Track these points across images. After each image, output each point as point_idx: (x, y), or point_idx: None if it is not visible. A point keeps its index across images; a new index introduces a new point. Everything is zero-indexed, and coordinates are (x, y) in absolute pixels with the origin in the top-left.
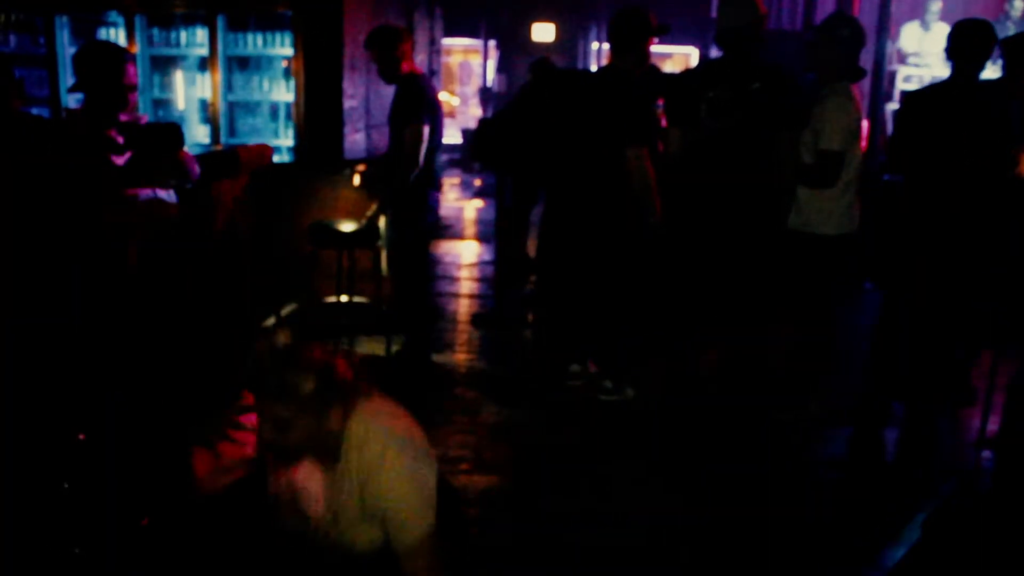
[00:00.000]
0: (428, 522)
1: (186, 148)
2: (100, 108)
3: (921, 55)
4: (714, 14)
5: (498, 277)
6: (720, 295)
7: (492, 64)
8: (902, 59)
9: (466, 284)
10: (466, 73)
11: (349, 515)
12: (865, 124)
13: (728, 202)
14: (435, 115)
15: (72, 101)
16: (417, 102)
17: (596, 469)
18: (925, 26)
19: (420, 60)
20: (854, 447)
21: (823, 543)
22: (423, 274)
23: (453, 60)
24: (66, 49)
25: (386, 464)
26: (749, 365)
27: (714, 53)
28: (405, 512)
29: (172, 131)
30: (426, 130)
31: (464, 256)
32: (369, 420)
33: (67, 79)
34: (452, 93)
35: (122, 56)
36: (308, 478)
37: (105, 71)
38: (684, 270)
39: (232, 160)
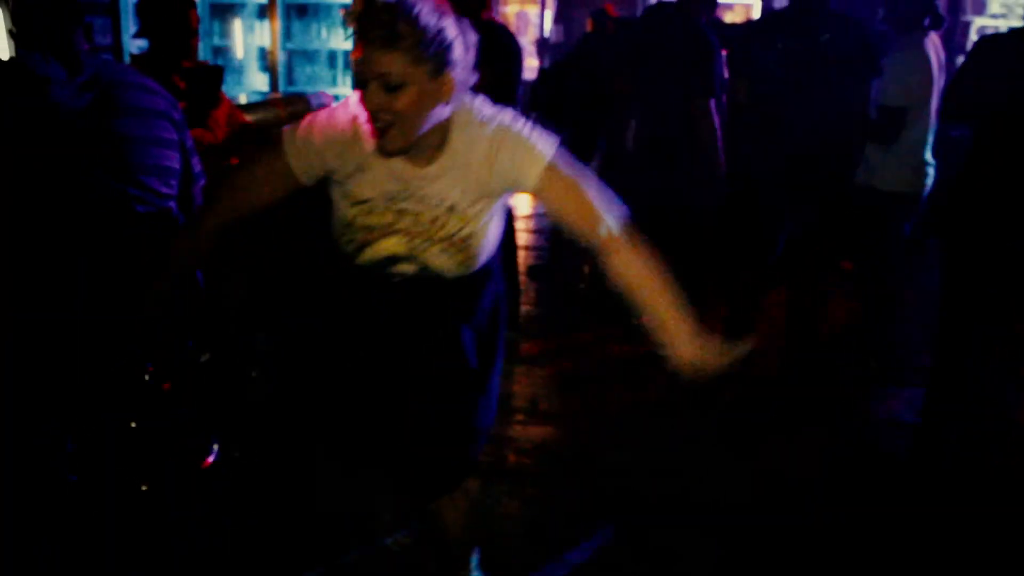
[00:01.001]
0: (544, 154)
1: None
2: (164, 55)
3: (1011, 10)
4: None
5: (554, 229)
6: (786, 249)
7: (550, 14)
8: (978, 9)
9: (522, 236)
10: (523, 23)
11: (453, 215)
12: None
13: (798, 154)
14: (513, 62)
15: (134, 48)
16: (496, 47)
17: (654, 423)
18: None
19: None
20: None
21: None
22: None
23: (510, 10)
24: None
25: (503, 141)
26: (809, 321)
27: (779, 3)
28: (521, 156)
29: (215, 73)
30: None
31: (519, 208)
32: (477, 105)
33: (129, 27)
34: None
35: (184, 2)
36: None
37: (168, 18)
38: (752, 222)
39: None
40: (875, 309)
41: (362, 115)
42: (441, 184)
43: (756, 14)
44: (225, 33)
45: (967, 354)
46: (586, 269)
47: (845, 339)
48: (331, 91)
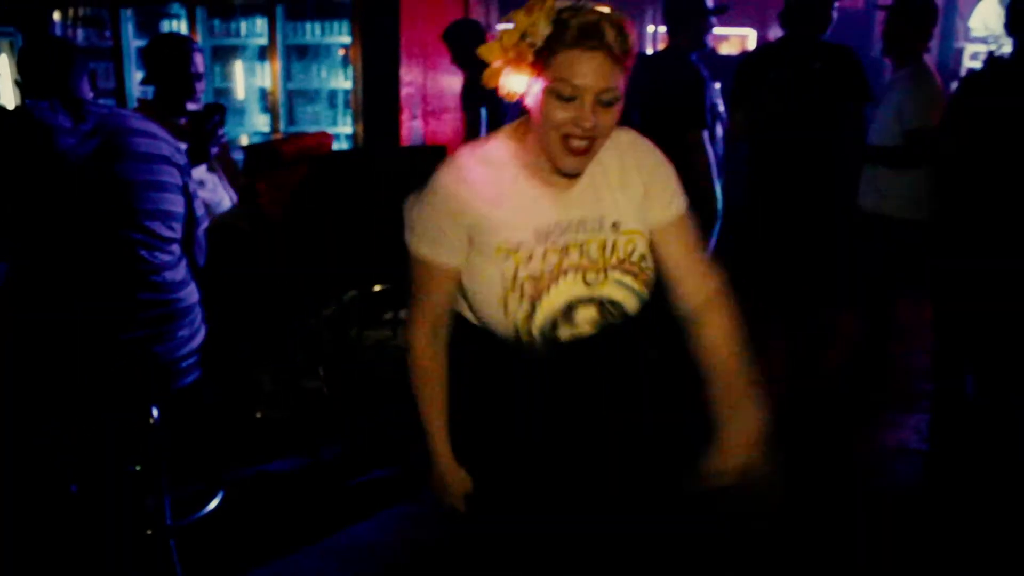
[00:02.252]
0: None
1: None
2: (170, 98)
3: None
4: None
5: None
6: (787, 278)
7: None
8: (968, 35)
9: None
10: None
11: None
12: None
13: (795, 183)
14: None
15: (139, 92)
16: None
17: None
18: (1003, 2)
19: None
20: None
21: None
22: None
23: None
24: (131, 41)
25: (635, 146)
26: (813, 350)
27: (773, 35)
28: (667, 185)
29: (217, 111)
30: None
31: None
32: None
33: (132, 71)
34: None
35: (189, 46)
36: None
37: (173, 62)
38: (751, 254)
39: (270, 153)
40: (881, 336)
41: (497, 147)
42: (592, 201)
43: (751, 45)
44: (226, 75)
45: (963, 379)
46: None
47: (850, 367)
48: (331, 130)
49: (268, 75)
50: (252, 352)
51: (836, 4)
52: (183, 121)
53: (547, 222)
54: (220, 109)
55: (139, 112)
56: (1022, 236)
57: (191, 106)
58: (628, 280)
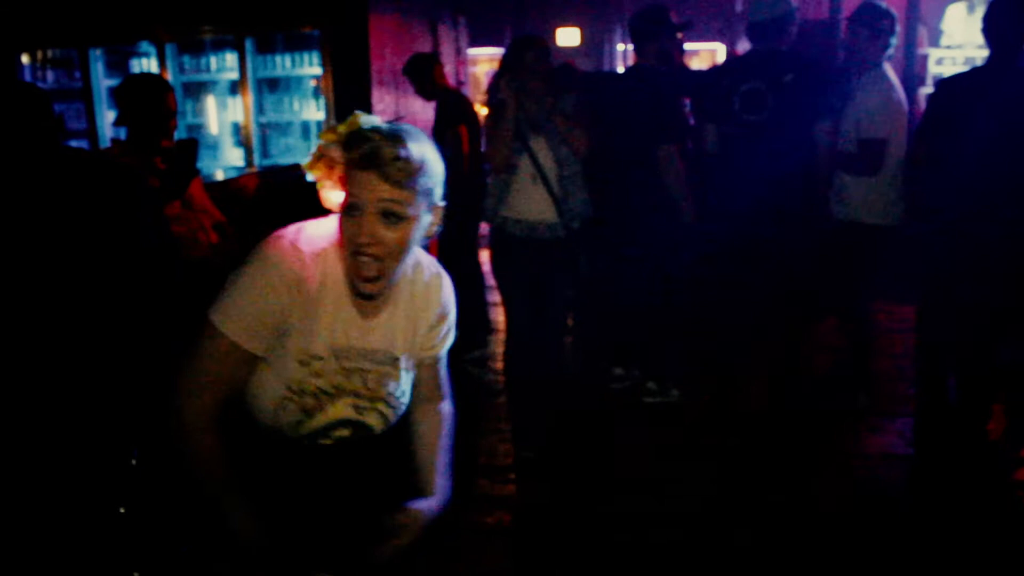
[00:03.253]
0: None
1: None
2: (144, 138)
3: (965, 44)
4: (739, 9)
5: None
6: (763, 290)
7: None
8: (933, 41)
9: None
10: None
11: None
12: None
13: (768, 195)
14: (471, 122)
15: (111, 132)
16: (453, 111)
17: (644, 472)
18: (971, 8)
19: (447, 71)
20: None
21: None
22: (474, 283)
23: (480, 70)
24: (101, 81)
25: (440, 287)
26: (794, 360)
27: (741, 48)
28: (447, 327)
29: (190, 146)
30: (464, 132)
31: None
32: (425, 259)
33: (103, 111)
34: (482, 103)
35: (162, 86)
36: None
37: (147, 102)
38: (726, 266)
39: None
40: (862, 341)
41: (326, 248)
42: (387, 335)
43: (721, 59)
44: (198, 111)
45: (944, 383)
46: (569, 321)
47: (833, 373)
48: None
49: (240, 109)
50: None
51: (794, 18)
52: (159, 160)
53: (345, 344)
54: (193, 145)
55: (113, 152)
56: (999, 237)
57: (165, 144)
58: (387, 412)
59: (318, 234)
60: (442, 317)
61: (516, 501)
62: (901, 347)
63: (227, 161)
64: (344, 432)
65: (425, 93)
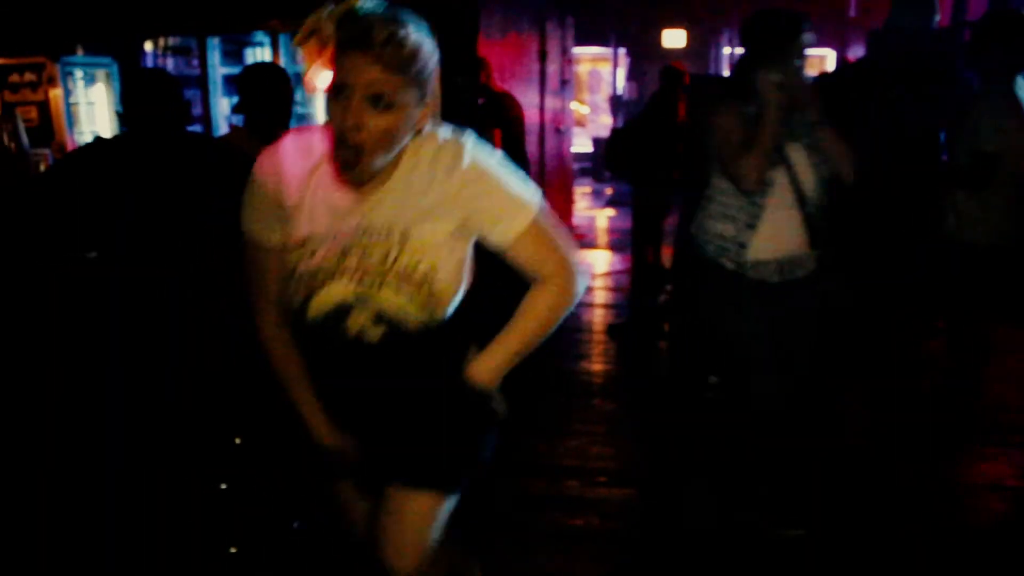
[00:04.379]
0: (530, 209)
1: None
2: (262, 126)
3: None
4: (852, 14)
5: (633, 287)
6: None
7: (622, 72)
8: None
9: (600, 294)
10: (596, 81)
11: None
12: None
13: (894, 205)
14: (508, 125)
15: (224, 118)
16: (492, 112)
17: (736, 483)
18: None
19: (552, 70)
20: None
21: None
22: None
23: (583, 68)
24: (217, 69)
25: (454, 155)
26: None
27: (852, 55)
28: (501, 206)
29: None
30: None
31: (597, 266)
32: (439, 132)
33: (218, 98)
34: (582, 102)
35: (283, 76)
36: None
37: (267, 90)
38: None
39: None
40: (973, 367)
41: (319, 136)
42: (388, 210)
43: (831, 66)
44: (307, 101)
45: None
46: (666, 327)
47: (942, 400)
48: None
49: None
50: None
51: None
52: None
53: (337, 222)
54: None
55: (231, 138)
56: None
57: (281, 133)
58: (408, 290)
59: (314, 136)
60: (477, 195)
61: (605, 505)
62: (1017, 372)
63: None
64: (362, 319)
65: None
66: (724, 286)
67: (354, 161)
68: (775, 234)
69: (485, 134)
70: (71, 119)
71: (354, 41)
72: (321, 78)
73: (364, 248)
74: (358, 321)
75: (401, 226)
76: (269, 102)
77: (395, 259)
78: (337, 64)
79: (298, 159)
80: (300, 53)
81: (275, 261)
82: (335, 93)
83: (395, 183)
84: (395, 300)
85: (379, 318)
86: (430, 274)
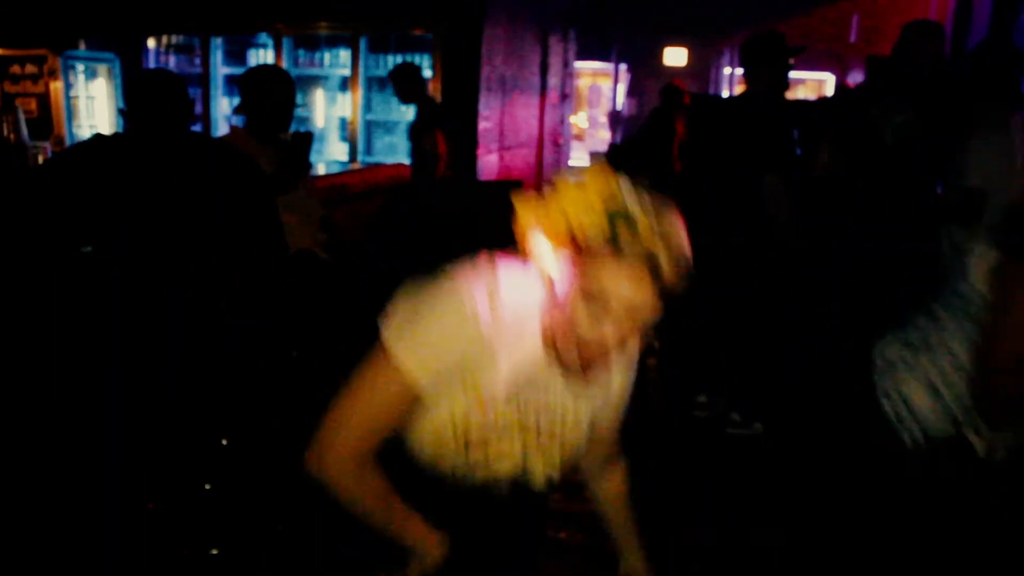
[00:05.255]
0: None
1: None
2: (262, 127)
3: None
4: (853, 39)
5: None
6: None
7: (622, 88)
8: None
9: None
10: (596, 96)
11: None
12: None
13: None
14: (446, 128)
15: (223, 118)
16: (432, 117)
17: (724, 508)
18: None
19: (553, 83)
20: None
21: None
22: None
23: (583, 83)
24: (219, 69)
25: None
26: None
27: (852, 79)
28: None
29: (305, 139)
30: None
31: None
32: None
33: (219, 98)
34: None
35: (285, 79)
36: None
37: (269, 93)
38: (832, 296)
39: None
40: None
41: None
42: (588, 403)
43: (829, 91)
44: (307, 104)
45: None
46: (656, 344)
47: None
48: (408, 161)
49: (348, 105)
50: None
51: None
52: (272, 150)
53: (529, 390)
54: (308, 138)
55: (230, 139)
56: None
57: (282, 136)
58: (557, 460)
59: (520, 287)
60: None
61: (590, 518)
62: None
63: (331, 155)
64: (501, 482)
65: (406, 98)
66: None
67: (587, 369)
68: None
69: (427, 139)
70: (70, 113)
71: (640, 262)
72: (551, 257)
73: (543, 406)
74: (495, 480)
75: (591, 413)
76: (271, 105)
77: (563, 419)
78: (596, 265)
79: (515, 326)
80: (533, 239)
81: (406, 403)
82: (589, 299)
83: (602, 383)
84: (544, 468)
85: (515, 481)
86: (580, 443)
